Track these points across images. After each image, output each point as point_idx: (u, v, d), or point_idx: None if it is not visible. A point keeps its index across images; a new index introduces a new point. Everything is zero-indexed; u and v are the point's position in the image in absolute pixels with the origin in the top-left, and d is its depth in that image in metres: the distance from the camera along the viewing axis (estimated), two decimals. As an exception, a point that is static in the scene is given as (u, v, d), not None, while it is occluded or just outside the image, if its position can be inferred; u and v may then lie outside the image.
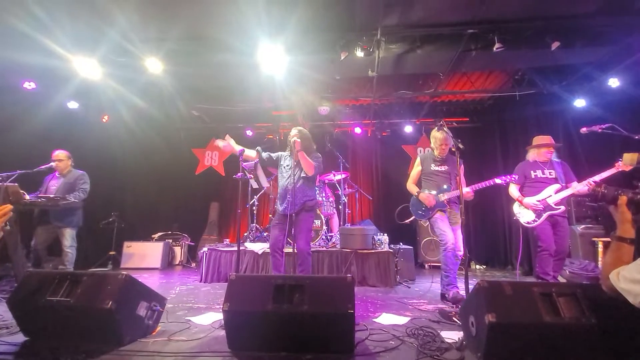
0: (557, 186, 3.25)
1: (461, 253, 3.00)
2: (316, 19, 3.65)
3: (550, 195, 3.23)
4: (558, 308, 1.70)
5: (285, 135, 3.39)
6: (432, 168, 3.34)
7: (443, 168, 3.31)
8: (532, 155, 3.49)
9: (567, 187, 3.23)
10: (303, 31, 3.77)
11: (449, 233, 3.06)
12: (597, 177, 3.03)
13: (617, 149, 4.72)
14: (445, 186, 3.24)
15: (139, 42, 3.92)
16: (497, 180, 3.08)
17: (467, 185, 3.16)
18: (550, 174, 3.32)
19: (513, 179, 3.21)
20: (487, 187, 3.12)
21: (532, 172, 3.39)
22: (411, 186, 3.45)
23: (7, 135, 4.61)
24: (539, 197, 3.27)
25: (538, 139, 3.47)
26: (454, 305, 2.88)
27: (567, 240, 3.25)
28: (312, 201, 3.25)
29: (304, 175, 3.22)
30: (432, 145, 3.37)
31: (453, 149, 2.98)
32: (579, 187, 3.14)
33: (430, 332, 2.22)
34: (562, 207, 3.20)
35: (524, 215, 3.34)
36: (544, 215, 3.21)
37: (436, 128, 3.20)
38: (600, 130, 3.08)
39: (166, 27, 3.78)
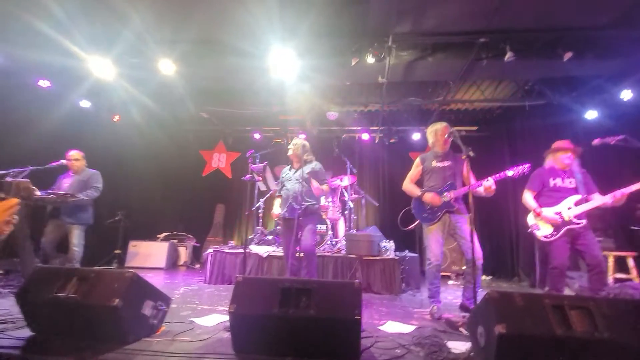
0: (577, 197, 2.98)
1: (480, 261, 2.79)
2: (329, 24, 3.68)
3: (570, 207, 2.98)
4: (570, 321, 1.67)
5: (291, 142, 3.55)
6: (433, 165, 3.13)
7: (446, 164, 3.09)
8: (549, 161, 3.22)
9: (588, 199, 2.98)
10: (315, 36, 3.80)
11: (436, 250, 2.98)
12: (626, 190, 2.80)
13: (628, 161, 4.68)
14: (449, 182, 3.02)
15: (153, 43, 3.98)
16: (509, 173, 2.81)
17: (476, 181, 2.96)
18: (570, 183, 3.05)
19: (524, 169, 2.81)
20: (498, 180, 2.83)
21: (550, 179, 3.11)
22: (411, 186, 3.21)
23: (21, 132, 4.69)
24: (557, 208, 3.01)
25: (555, 143, 3.20)
26: (462, 316, 2.84)
27: (598, 249, 2.90)
28: (314, 205, 3.40)
29: (306, 181, 3.38)
30: (431, 140, 3.17)
31: (457, 141, 2.78)
32: (603, 199, 2.89)
33: (436, 342, 2.18)
34: (584, 221, 2.92)
35: (541, 228, 3.07)
36: (563, 230, 2.95)
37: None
38: (613, 142, 3.00)
39: (180, 29, 3.84)
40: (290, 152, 3.50)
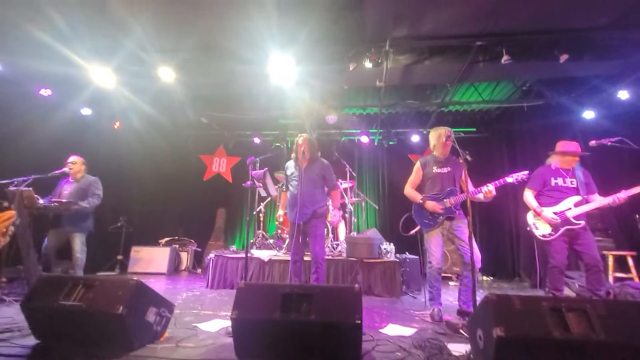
0: (577, 198, 3.01)
1: (479, 265, 2.83)
2: (326, 31, 3.72)
3: (570, 208, 3.00)
4: (567, 323, 1.69)
5: (292, 144, 3.44)
6: (434, 170, 3.15)
7: (446, 170, 3.13)
8: (554, 161, 3.22)
9: (588, 201, 3.00)
10: (313, 43, 3.84)
11: (437, 254, 3.00)
12: (626, 194, 2.82)
13: (626, 162, 4.70)
14: (449, 189, 3.06)
15: (153, 52, 4.04)
16: (508, 179, 2.88)
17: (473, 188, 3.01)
18: (571, 183, 3.07)
19: (524, 176, 2.92)
20: (497, 187, 2.90)
21: (552, 179, 3.13)
22: (413, 192, 3.23)
23: (23, 140, 4.73)
24: (556, 208, 3.04)
25: (564, 145, 3.17)
26: (461, 318, 2.86)
27: (596, 249, 2.93)
28: (322, 208, 3.28)
29: (312, 182, 3.28)
30: (433, 144, 3.20)
31: (455, 146, 2.82)
32: (603, 201, 2.91)
33: (437, 345, 2.20)
34: (582, 222, 2.96)
35: (539, 227, 3.12)
36: (561, 230, 2.99)
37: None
38: (609, 143, 3.03)
39: (180, 37, 3.89)
40: (299, 150, 3.26)
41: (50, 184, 3.90)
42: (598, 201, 2.97)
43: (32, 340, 2.13)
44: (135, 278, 2.14)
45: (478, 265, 2.83)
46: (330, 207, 3.74)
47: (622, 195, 2.85)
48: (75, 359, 1.88)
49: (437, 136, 3.15)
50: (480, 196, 2.94)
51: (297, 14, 3.44)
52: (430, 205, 3.05)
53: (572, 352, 1.64)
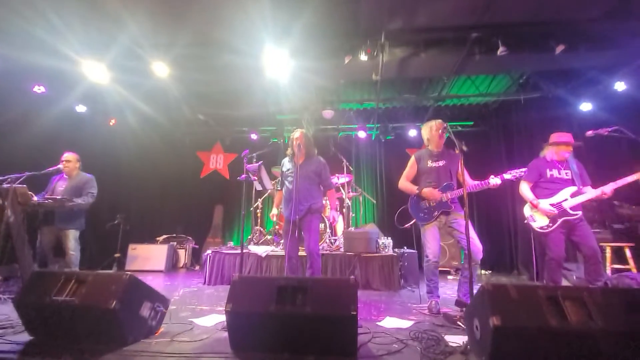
0: (573, 189, 3.02)
1: (480, 256, 2.85)
2: (321, 24, 3.69)
3: (566, 199, 3.00)
4: (564, 312, 1.68)
5: (289, 139, 3.41)
6: (429, 165, 3.12)
7: (441, 163, 3.09)
8: (549, 152, 3.22)
9: (582, 192, 3.00)
10: (308, 36, 3.81)
11: (434, 248, 2.98)
12: (610, 187, 2.85)
13: (623, 152, 4.69)
14: (445, 183, 3.04)
15: (148, 47, 3.99)
16: (506, 176, 2.87)
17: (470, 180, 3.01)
18: (566, 175, 3.09)
19: (522, 173, 2.93)
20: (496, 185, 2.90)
21: (547, 170, 3.13)
22: (407, 184, 3.19)
23: (17, 137, 4.69)
24: (553, 200, 3.04)
25: (557, 136, 3.19)
26: (459, 309, 2.85)
27: (594, 240, 2.90)
28: (317, 204, 3.27)
29: (308, 179, 3.26)
30: (427, 138, 3.17)
31: (452, 137, 2.75)
32: (595, 192, 2.92)
33: (434, 336, 2.19)
34: (579, 213, 2.96)
35: (537, 219, 3.11)
36: (559, 221, 2.99)
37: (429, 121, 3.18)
38: (606, 133, 3.01)
39: (175, 32, 3.84)
40: (295, 144, 3.24)
41: (45, 181, 3.86)
42: (591, 192, 2.97)
43: (25, 337, 2.11)
44: (128, 273, 2.12)
45: (480, 256, 2.85)
46: (328, 206, 3.68)
47: (607, 188, 2.86)
48: (68, 355, 1.86)
49: (430, 129, 3.12)
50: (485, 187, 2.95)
51: (291, 6, 3.41)
52: (428, 191, 3.01)
53: (569, 340, 1.63)
